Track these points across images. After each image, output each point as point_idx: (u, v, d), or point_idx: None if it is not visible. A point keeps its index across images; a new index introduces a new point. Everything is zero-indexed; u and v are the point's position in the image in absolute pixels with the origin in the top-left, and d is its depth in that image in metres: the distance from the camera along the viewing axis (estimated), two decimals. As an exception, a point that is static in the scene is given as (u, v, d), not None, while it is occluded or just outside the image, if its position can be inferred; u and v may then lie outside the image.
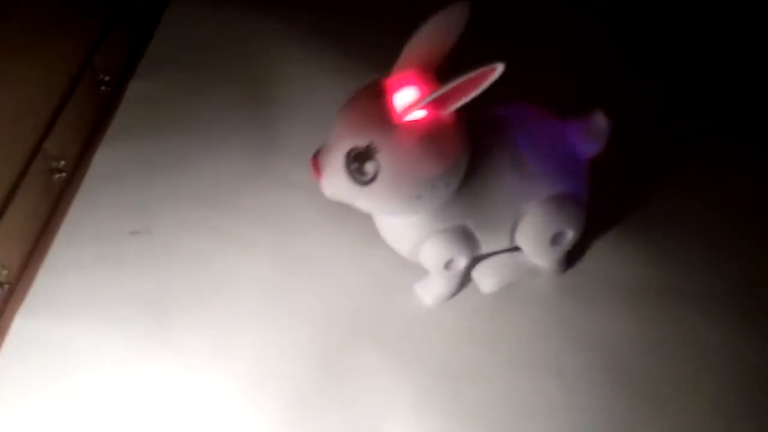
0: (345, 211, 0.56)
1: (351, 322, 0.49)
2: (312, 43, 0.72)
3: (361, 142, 0.38)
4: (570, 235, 0.47)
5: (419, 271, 0.51)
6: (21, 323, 0.49)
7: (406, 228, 0.45)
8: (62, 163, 0.59)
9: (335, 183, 0.41)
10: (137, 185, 0.58)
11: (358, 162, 0.39)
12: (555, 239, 0.47)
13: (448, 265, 0.47)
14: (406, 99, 0.39)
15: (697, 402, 0.45)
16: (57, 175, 0.58)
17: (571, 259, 0.52)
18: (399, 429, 0.44)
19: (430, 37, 0.39)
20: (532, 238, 0.46)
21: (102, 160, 0.60)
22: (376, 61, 0.68)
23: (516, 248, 0.49)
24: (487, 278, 0.50)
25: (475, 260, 0.50)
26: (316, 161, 0.41)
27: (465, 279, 0.51)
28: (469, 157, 0.41)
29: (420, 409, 0.45)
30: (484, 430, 0.44)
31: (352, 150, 0.39)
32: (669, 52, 0.71)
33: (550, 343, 0.48)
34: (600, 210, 0.55)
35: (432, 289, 0.50)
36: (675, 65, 0.69)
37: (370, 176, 0.39)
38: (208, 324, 0.49)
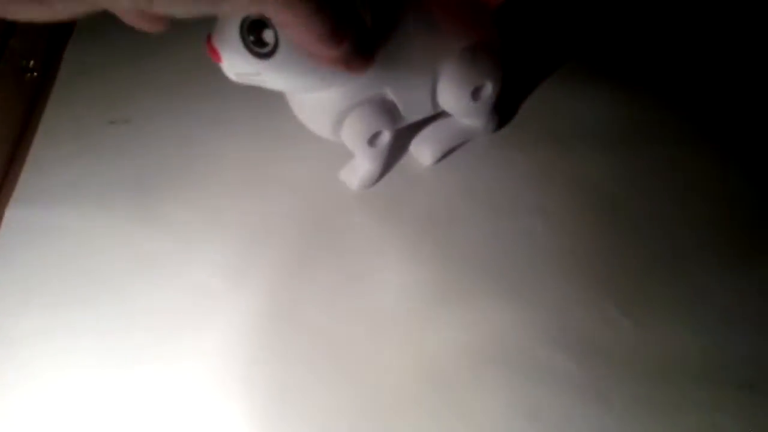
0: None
1: (340, 186, 0.49)
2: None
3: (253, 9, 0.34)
4: (490, 88, 0.46)
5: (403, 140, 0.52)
6: (12, 214, 0.50)
7: (323, 105, 0.42)
8: (32, 62, 0.58)
9: (236, 61, 0.37)
10: (111, 77, 0.57)
11: (254, 32, 0.35)
12: (476, 94, 0.46)
13: (372, 140, 0.45)
14: None
15: (682, 229, 0.46)
16: (29, 75, 0.58)
17: (503, 115, 0.51)
18: (391, 277, 0.45)
19: None
20: (453, 96, 0.45)
21: (73, 54, 0.59)
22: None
23: (444, 114, 0.48)
24: (424, 150, 0.50)
25: (405, 136, 0.50)
26: (211, 44, 0.37)
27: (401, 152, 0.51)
28: (374, 20, 0.39)
29: (410, 257, 0.46)
30: (472, 272, 0.45)
31: (245, 20, 0.35)
32: None
33: (534, 188, 0.48)
34: (547, 55, 0.55)
35: (358, 171, 0.49)
36: None
37: (270, 46, 0.36)
38: (195, 200, 0.50)
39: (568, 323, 0.42)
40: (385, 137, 0.46)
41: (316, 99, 0.42)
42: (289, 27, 0.33)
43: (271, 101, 0.55)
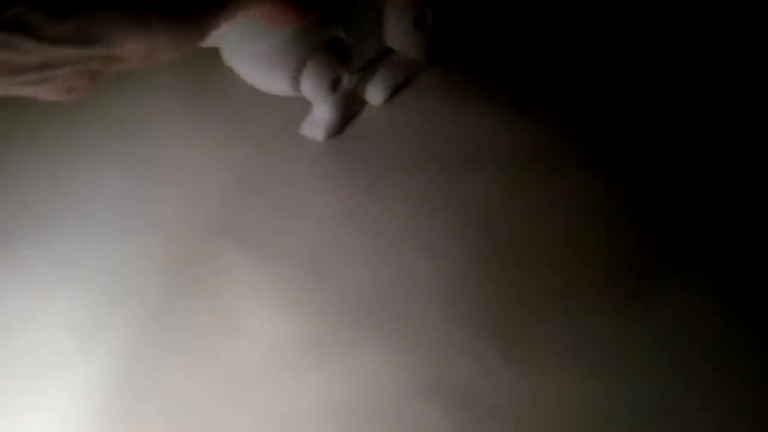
0: (203, 109, 0.52)
1: (210, 222, 0.46)
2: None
3: None
4: (430, 12, 0.47)
5: (283, 162, 0.48)
6: None
7: (279, 59, 0.42)
8: None
9: None
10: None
11: None
12: (418, 21, 0.47)
13: (334, 85, 0.45)
14: None
15: (576, 259, 0.43)
16: None
17: (439, 50, 0.52)
18: (263, 324, 0.41)
19: None
20: (397, 24, 0.46)
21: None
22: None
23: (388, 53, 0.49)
24: (374, 91, 0.50)
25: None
26: None
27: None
28: None
29: (284, 302, 0.42)
30: (350, 316, 0.41)
31: None
32: None
33: (420, 216, 0.45)
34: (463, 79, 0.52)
35: (322, 121, 0.48)
36: None
37: None
38: (57, 241, 0.46)
39: (448, 373, 0.39)
40: (345, 80, 0.46)
41: (271, 54, 0.41)
42: None
43: (149, 128, 0.52)
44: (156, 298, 0.43)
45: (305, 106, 0.49)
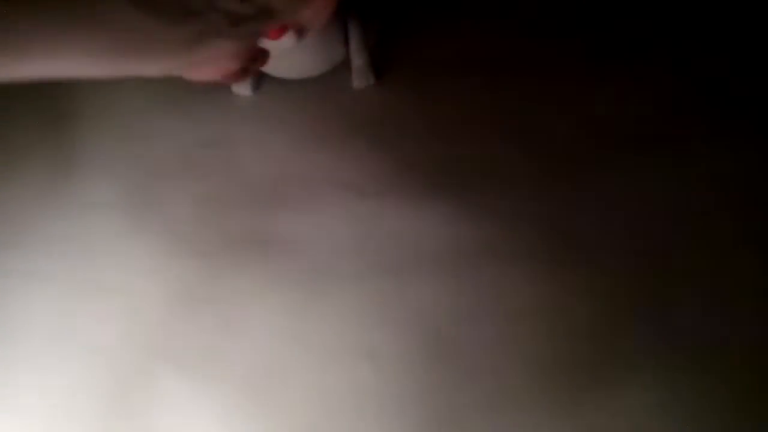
0: (147, 226, 0.53)
1: (150, 342, 0.45)
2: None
3: None
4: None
5: (224, 277, 0.48)
6: None
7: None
8: None
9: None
10: None
11: None
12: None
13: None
14: None
15: (514, 363, 0.43)
16: None
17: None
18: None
19: None
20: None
21: None
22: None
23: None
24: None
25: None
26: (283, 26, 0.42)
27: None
28: None
29: (227, 422, 0.42)
30: (296, 430, 0.41)
31: None
32: None
33: (364, 326, 0.45)
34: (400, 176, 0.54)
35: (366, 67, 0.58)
36: None
37: None
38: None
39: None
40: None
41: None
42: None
43: (87, 248, 0.52)
44: (98, 427, 0.42)
45: (242, 223, 0.50)
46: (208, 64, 0.36)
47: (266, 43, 0.41)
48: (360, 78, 0.58)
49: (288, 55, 0.52)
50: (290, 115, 0.58)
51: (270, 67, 0.55)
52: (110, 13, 0.30)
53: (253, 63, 0.40)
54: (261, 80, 0.59)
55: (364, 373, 0.43)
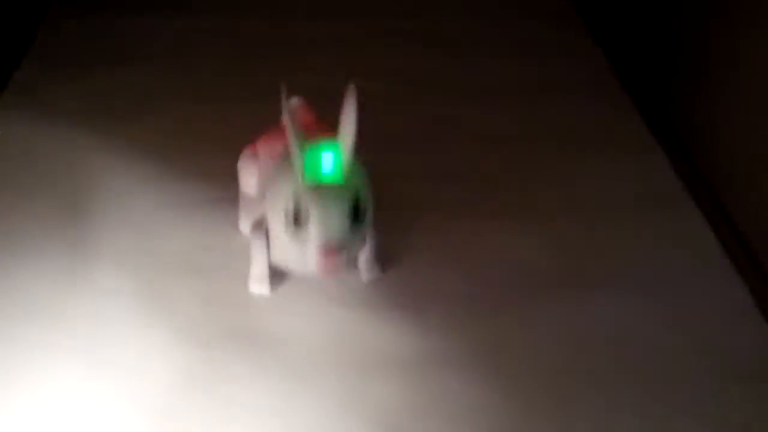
0: (156, 313, 0.62)
1: (155, 416, 0.54)
2: (131, 155, 0.79)
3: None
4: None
5: (223, 367, 0.57)
6: None
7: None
8: None
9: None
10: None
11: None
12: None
13: None
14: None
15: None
16: None
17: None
18: None
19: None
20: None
21: None
22: (195, 167, 0.75)
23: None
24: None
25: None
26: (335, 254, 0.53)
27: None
28: None
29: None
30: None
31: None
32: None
33: (336, 414, 0.55)
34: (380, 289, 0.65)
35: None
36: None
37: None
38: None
39: None
40: None
41: None
42: None
43: (103, 329, 0.60)
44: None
45: (239, 318, 0.60)
46: None
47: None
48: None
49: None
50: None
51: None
52: None
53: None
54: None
55: None
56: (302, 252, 0.54)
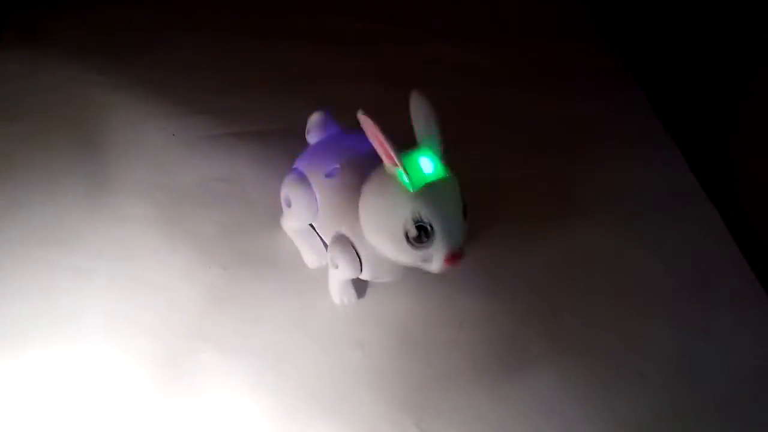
0: (178, 239, 0.65)
1: (187, 328, 0.58)
2: (139, 91, 0.80)
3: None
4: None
5: (243, 281, 0.61)
6: None
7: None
8: None
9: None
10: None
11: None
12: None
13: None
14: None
15: (458, 351, 0.59)
16: None
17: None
18: (237, 410, 0.53)
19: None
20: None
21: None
22: (201, 103, 0.77)
23: None
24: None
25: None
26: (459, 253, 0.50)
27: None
28: None
29: (253, 388, 0.55)
30: (305, 399, 0.55)
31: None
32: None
33: (353, 319, 0.60)
34: None
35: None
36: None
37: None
38: (55, 348, 0.56)
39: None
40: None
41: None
42: None
43: (130, 252, 0.64)
44: (144, 390, 0.54)
45: (254, 242, 0.64)
46: None
47: None
48: None
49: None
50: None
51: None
52: None
53: None
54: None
55: (356, 356, 0.57)
56: (423, 264, 0.52)
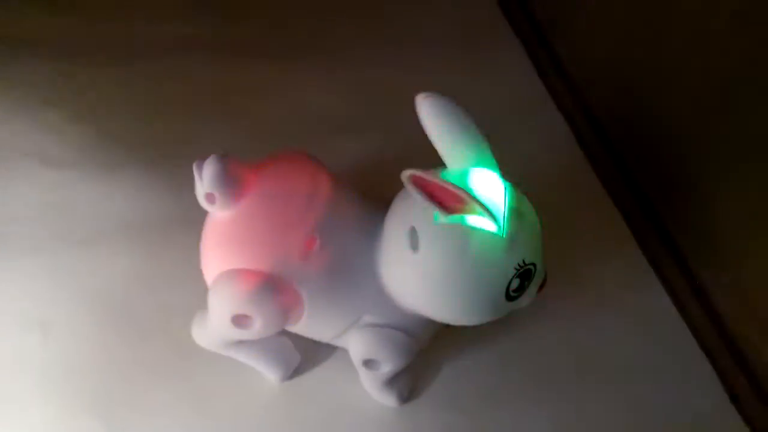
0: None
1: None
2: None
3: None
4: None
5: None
6: None
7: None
8: None
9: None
10: None
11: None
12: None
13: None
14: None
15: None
16: None
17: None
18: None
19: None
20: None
21: None
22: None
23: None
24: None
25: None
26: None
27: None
28: None
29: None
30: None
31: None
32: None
33: (35, 297, 0.49)
34: None
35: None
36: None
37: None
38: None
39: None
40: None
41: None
42: None
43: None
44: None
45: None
46: None
47: None
48: None
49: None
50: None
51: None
52: None
53: None
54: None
55: (32, 341, 0.46)
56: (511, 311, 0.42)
